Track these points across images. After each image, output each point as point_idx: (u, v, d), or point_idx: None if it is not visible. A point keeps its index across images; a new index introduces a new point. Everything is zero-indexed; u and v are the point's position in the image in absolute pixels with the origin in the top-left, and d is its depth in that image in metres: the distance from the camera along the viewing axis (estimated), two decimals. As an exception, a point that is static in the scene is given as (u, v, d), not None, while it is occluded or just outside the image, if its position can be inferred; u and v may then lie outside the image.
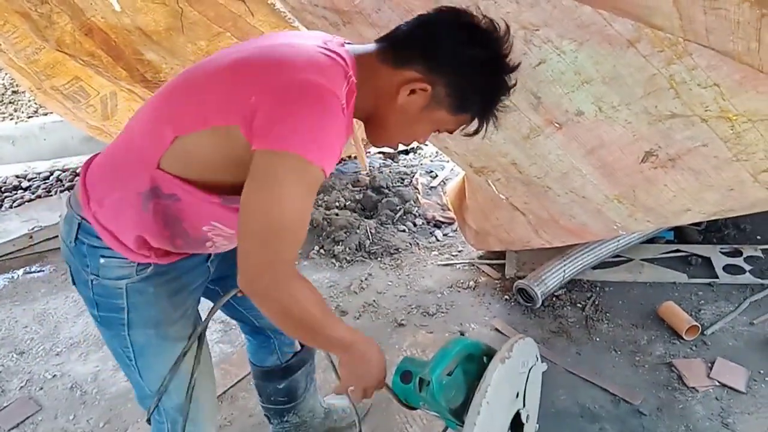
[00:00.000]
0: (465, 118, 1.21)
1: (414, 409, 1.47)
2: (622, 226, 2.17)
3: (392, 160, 4.28)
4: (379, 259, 3.14)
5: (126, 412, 2.27)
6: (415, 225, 3.44)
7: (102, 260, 1.23)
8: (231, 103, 1.05)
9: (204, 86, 1.13)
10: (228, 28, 2.40)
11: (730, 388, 2.21)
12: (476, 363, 1.49)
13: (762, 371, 2.27)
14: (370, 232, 3.28)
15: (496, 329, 2.59)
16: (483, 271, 2.98)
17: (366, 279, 2.98)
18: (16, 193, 3.92)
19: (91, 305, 1.30)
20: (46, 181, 4.07)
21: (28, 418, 2.27)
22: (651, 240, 3.02)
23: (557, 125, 1.86)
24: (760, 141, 1.57)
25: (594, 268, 2.86)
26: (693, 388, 2.22)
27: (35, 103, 4.91)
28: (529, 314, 2.68)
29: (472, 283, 2.90)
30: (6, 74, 5.23)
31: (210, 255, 1.41)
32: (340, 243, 3.21)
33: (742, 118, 1.54)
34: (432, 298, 2.83)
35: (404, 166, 4.17)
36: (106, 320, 1.30)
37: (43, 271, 3.21)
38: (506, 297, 2.78)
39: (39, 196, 3.85)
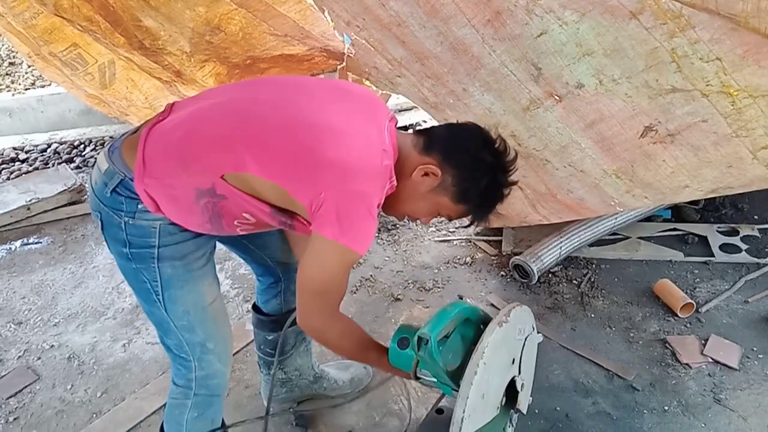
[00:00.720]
0: (463, 209, 1.43)
1: (417, 379, 1.49)
2: (619, 202, 2.17)
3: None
4: (376, 234, 3.14)
5: (123, 383, 2.29)
6: (413, 201, 3.43)
7: (140, 206, 1.36)
8: (305, 183, 1.28)
9: (286, 143, 1.30)
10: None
11: (723, 364, 2.23)
12: (473, 328, 1.50)
13: (755, 349, 2.29)
14: (368, 208, 3.27)
15: (492, 305, 2.60)
16: (480, 248, 2.99)
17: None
18: (13, 165, 3.90)
19: (123, 245, 1.40)
20: (44, 153, 4.05)
21: (26, 387, 2.29)
22: (648, 218, 3.03)
23: (557, 98, 1.85)
24: (761, 117, 1.56)
25: (590, 245, 2.86)
26: (686, 364, 2.24)
27: (33, 75, 4.86)
28: (525, 290, 2.69)
29: (468, 259, 2.91)
30: (2, 45, 5.18)
31: None
32: (338, 218, 3.20)
33: (743, 94, 1.53)
34: (429, 273, 2.83)
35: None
36: (137, 255, 1.41)
37: (41, 242, 3.21)
38: (502, 273, 2.79)
39: (36, 168, 3.83)
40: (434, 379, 1.47)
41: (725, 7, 1.26)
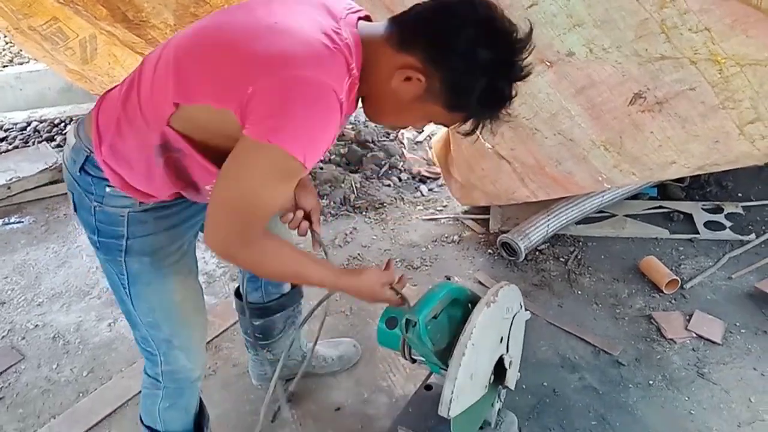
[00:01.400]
0: (460, 116, 1.18)
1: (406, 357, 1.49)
2: (607, 177, 2.18)
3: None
4: (363, 213, 3.13)
5: (109, 362, 2.27)
6: (400, 180, 3.42)
7: (108, 189, 1.25)
8: (229, 88, 1.05)
9: (208, 58, 1.10)
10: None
11: (707, 339, 2.26)
12: (461, 308, 1.50)
13: (738, 324, 2.33)
14: (355, 187, 3.26)
15: (480, 282, 2.61)
16: (467, 226, 2.99)
17: (351, 233, 2.97)
18: (-8, 144, 3.83)
19: (92, 231, 1.32)
20: (23, 131, 3.97)
21: (10, 366, 2.26)
22: (634, 196, 3.05)
23: (548, 63, 1.84)
24: (747, 88, 1.57)
25: (577, 223, 2.88)
26: (671, 339, 2.27)
27: (11, 53, 4.76)
28: (512, 268, 2.70)
29: (456, 237, 2.91)
30: (-22, 21, 5.05)
31: None
32: (325, 197, 3.18)
33: (731, 62, 1.54)
34: (416, 251, 2.83)
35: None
36: (105, 246, 1.32)
37: (23, 222, 3.16)
38: (490, 251, 2.80)
39: (16, 147, 3.75)
40: (422, 358, 1.47)
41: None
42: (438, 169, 3.30)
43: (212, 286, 2.65)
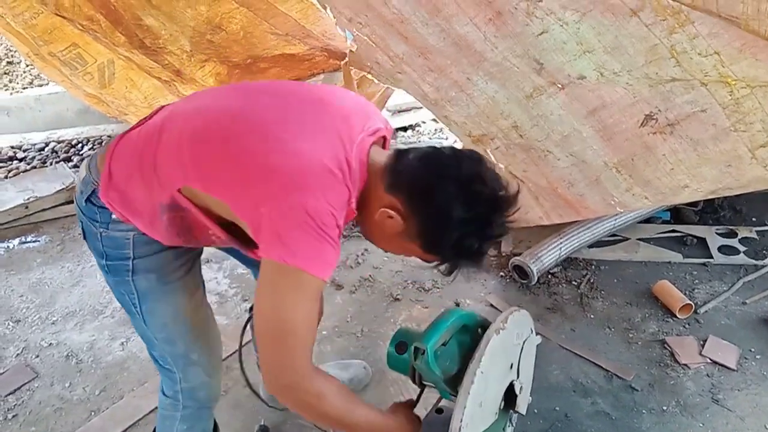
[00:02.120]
0: (436, 259, 1.24)
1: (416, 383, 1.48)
2: (619, 201, 2.17)
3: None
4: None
5: (122, 381, 2.28)
6: (412, 202, 3.44)
7: (113, 216, 1.30)
8: (243, 201, 1.14)
9: (224, 157, 1.16)
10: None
11: (721, 365, 2.23)
12: (471, 334, 1.50)
13: (753, 349, 2.30)
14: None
15: (491, 305, 2.60)
16: (479, 248, 2.99)
17: (362, 254, 2.98)
18: (11, 164, 3.88)
19: (100, 256, 1.37)
20: (41, 152, 4.04)
21: (24, 384, 2.28)
22: (647, 220, 3.04)
23: (560, 85, 1.86)
24: (758, 110, 1.58)
25: (590, 246, 2.87)
26: (685, 365, 2.24)
27: (31, 74, 4.85)
28: (524, 291, 2.69)
29: (468, 259, 2.90)
30: (1, 44, 5.17)
31: None
32: (337, 218, 3.20)
33: (741, 84, 1.55)
34: (428, 273, 2.83)
35: (403, 143, 4.16)
36: (113, 268, 1.36)
37: (39, 241, 3.20)
38: (502, 274, 2.80)
39: (34, 167, 3.82)
40: (432, 385, 1.47)
41: (726, 8, 1.28)
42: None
43: (224, 306, 2.66)
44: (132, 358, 2.39)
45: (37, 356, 2.42)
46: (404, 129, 4.37)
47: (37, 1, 2.37)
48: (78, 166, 3.92)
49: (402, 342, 1.48)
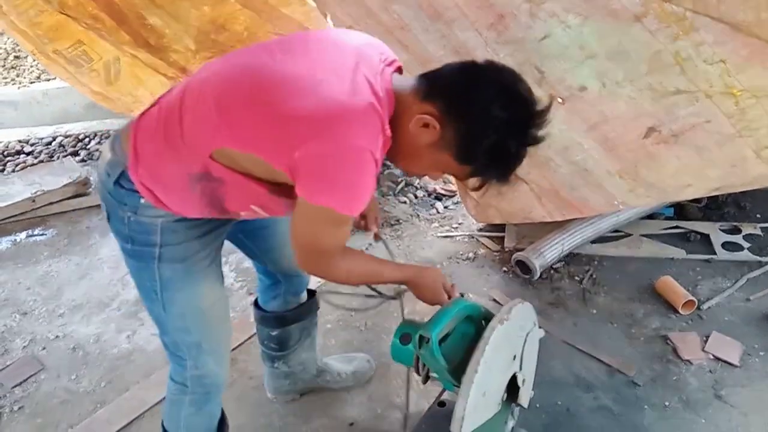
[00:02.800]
0: (468, 170, 1.23)
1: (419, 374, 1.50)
2: (622, 201, 2.18)
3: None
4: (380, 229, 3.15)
5: (128, 373, 2.31)
6: (416, 197, 3.44)
7: (142, 200, 1.30)
8: (277, 149, 1.14)
9: (253, 109, 1.16)
10: (233, -7, 2.39)
11: (724, 361, 2.24)
12: (475, 325, 1.51)
13: (756, 346, 2.30)
14: (372, 203, 3.28)
15: (494, 300, 2.61)
16: (482, 244, 3.00)
17: (366, 249, 2.99)
18: (18, 158, 3.91)
19: (125, 240, 1.37)
20: (49, 146, 4.06)
21: (31, 376, 2.30)
22: (651, 216, 3.04)
23: (560, 100, 1.86)
24: (764, 117, 1.57)
25: (593, 242, 2.87)
26: (687, 360, 2.25)
27: (38, 69, 4.87)
28: (526, 286, 2.70)
29: (471, 254, 2.92)
30: (8, 39, 5.18)
31: None
32: (341, 213, 3.21)
33: (747, 94, 1.54)
34: (431, 268, 2.84)
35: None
36: (138, 253, 1.37)
37: (46, 234, 3.23)
38: (505, 269, 2.80)
39: (41, 161, 3.85)
40: (435, 375, 1.48)
41: (728, 15, 1.28)
42: (454, 187, 3.32)
43: (229, 299, 2.67)
44: (138, 350, 2.41)
45: (44, 348, 2.44)
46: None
47: (42, -1, 2.38)
48: (85, 160, 3.95)
49: (406, 333, 1.49)
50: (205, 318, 1.48)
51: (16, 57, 5.07)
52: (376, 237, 1.80)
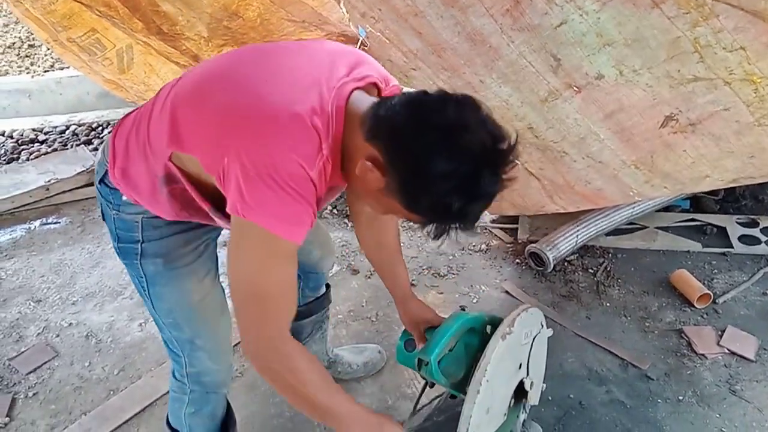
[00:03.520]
0: (419, 219, 1.09)
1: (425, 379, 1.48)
2: (638, 192, 2.15)
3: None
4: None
5: (140, 361, 2.32)
6: (428, 188, 3.42)
7: (123, 197, 1.31)
8: (211, 153, 1.08)
9: (198, 112, 1.13)
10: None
11: (740, 356, 2.21)
12: (479, 335, 1.48)
13: (772, 341, 2.28)
14: (384, 194, 3.27)
15: (507, 292, 2.59)
16: (495, 235, 2.98)
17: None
18: (32, 146, 3.93)
19: (113, 238, 1.39)
20: (62, 134, 4.08)
21: (45, 363, 2.32)
22: (666, 208, 3.00)
23: (576, 88, 1.83)
24: (784, 105, 1.54)
25: (607, 234, 2.85)
26: (702, 355, 2.22)
27: (51, 58, 4.89)
28: (540, 278, 2.68)
29: (483, 246, 2.90)
30: (22, 28, 5.21)
31: None
32: (354, 203, 3.20)
33: (767, 81, 1.51)
34: (443, 259, 2.83)
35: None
36: (124, 250, 1.38)
37: (60, 222, 3.25)
38: (518, 261, 2.78)
39: (55, 150, 3.86)
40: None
41: (748, 3, 1.24)
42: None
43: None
44: (150, 338, 2.42)
45: (58, 336, 2.46)
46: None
47: (56, -14, 2.38)
48: (98, 149, 3.97)
49: (411, 339, 1.48)
50: (194, 314, 1.44)
51: (30, 46, 5.09)
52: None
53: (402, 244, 2.91)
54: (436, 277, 2.72)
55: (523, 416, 1.61)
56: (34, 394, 2.19)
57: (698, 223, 2.93)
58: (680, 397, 2.07)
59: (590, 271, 2.69)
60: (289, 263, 1.09)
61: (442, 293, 2.61)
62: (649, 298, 2.52)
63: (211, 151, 1.08)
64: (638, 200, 2.49)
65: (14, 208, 3.30)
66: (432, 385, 1.48)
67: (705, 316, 2.41)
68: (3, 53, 4.98)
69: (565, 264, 2.73)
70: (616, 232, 2.87)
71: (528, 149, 2.30)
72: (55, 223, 3.26)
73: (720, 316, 2.40)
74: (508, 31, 1.76)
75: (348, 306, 2.53)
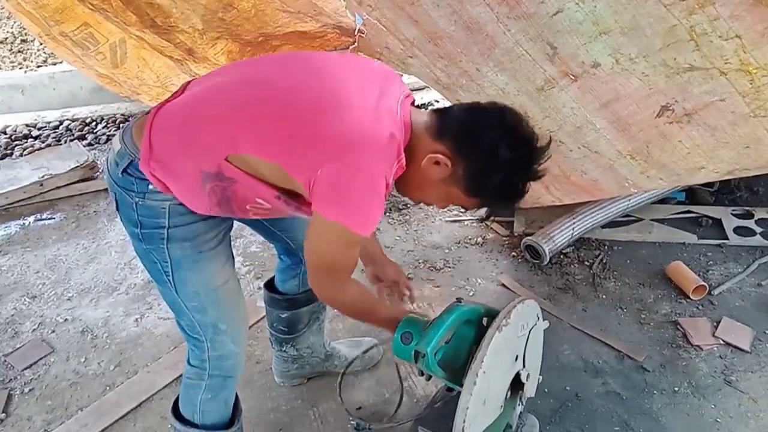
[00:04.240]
0: (477, 202, 1.35)
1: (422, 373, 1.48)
2: (633, 183, 2.15)
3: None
4: (387, 214, 3.14)
5: (136, 356, 2.31)
6: (424, 181, 3.42)
7: (150, 186, 1.34)
8: (303, 166, 1.21)
9: (277, 122, 1.23)
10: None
11: (735, 347, 2.22)
12: (475, 327, 1.48)
13: (767, 332, 2.28)
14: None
15: (503, 285, 2.60)
16: (491, 228, 2.98)
17: (374, 234, 2.98)
18: (26, 142, 3.92)
19: (134, 225, 1.40)
20: (56, 130, 4.06)
21: (41, 359, 2.32)
22: (662, 200, 3.01)
23: (572, 77, 1.82)
24: (780, 95, 1.54)
25: (603, 227, 2.85)
26: (697, 346, 2.23)
27: (44, 53, 4.87)
28: (536, 271, 2.68)
29: (479, 239, 2.90)
30: (15, 22, 5.17)
31: None
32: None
33: (763, 72, 1.50)
34: (439, 253, 2.83)
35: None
36: (147, 236, 1.40)
37: (54, 218, 3.24)
38: (514, 254, 2.79)
39: (49, 145, 3.85)
40: None
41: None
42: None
43: (240, 287, 2.67)
44: (146, 334, 2.42)
45: (53, 331, 2.45)
46: (419, 107, 4.33)
47: (48, -21, 2.36)
48: (92, 144, 3.95)
49: (407, 332, 1.47)
50: (218, 296, 1.50)
51: (23, 41, 5.06)
52: (412, 300, 1.82)
53: (398, 238, 2.93)
54: (432, 270, 2.72)
55: (519, 408, 1.62)
56: (30, 390, 2.18)
57: (694, 215, 2.94)
58: (676, 389, 2.08)
59: (586, 263, 2.70)
60: (356, 249, 1.34)
61: (438, 286, 2.61)
62: (645, 290, 2.53)
63: (304, 165, 1.21)
64: (634, 192, 2.49)
65: (8, 204, 3.29)
66: (429, 378, 1.48)
67: (700, 307, 2.42)
68: (-5, 48, 4.96)
69: (561, 256, 2.73)
70: (612, 224, 2.87)
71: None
72: (50, 218, 3.24)
73: (715, 308, 2.41)
74: (504, 20, 1.76)
75: (344, 300, 2.53)
